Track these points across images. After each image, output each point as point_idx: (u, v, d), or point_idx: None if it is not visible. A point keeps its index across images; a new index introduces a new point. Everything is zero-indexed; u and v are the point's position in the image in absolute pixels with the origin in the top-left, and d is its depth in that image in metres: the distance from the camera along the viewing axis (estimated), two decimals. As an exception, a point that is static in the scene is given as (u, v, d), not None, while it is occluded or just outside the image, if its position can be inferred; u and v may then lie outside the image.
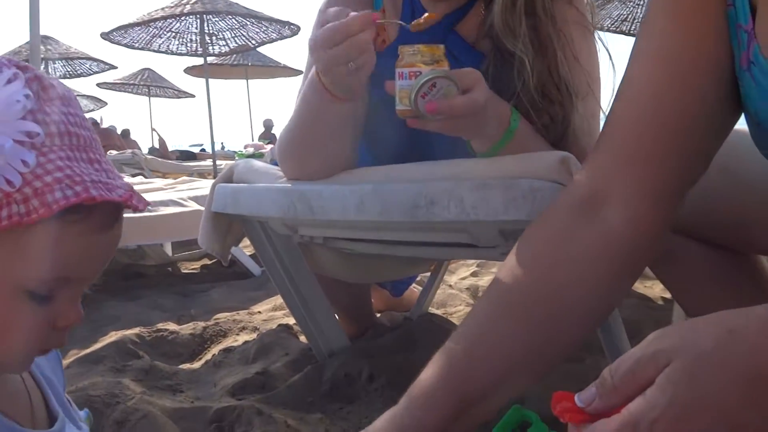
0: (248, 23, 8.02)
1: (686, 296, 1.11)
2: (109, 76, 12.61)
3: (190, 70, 11.49)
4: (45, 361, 0.73)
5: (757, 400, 0.49)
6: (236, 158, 7.78)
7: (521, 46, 1.11)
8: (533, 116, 1.11)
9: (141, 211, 0.60)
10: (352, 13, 0.97)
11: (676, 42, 0.79)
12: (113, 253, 0.62)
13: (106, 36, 7.54)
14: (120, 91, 13.83)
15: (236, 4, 7.24)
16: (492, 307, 0.81)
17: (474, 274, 2.71)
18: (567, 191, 0.85)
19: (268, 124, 13.25)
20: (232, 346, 1.83)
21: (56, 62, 10.83)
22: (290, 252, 1.47)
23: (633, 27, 7.09)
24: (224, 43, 8.45)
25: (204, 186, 3.76)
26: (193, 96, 14.35)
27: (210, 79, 7.24)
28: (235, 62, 11.31)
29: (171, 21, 7.68)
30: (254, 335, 1.92)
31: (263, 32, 8.15)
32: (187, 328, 2.01)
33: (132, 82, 13.07)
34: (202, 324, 2.05)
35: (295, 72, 11.50)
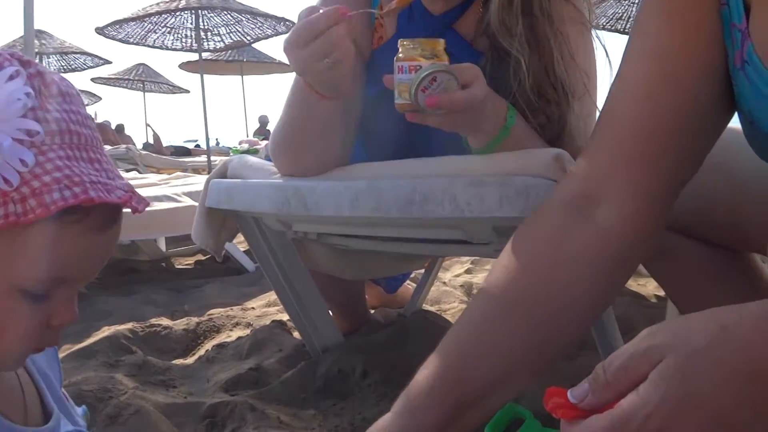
0: (243, 19, 8.00)
1: (679, 294, 1.11)
2: (103, 71, 12.57)
3: (185, 66, 11.47)
4: (41, 355, 0.72)
5: (749, 396, 0.49)
6: (231, 154, 7.77)
7: (518, 45, 1.10)
8: (529, 116, 1.10)
9: (141, 212, 0.59)
10: (322, 10, 0.96)
11: (670, 41, 0.79)
12: (111, 253, 0.62)
13: (100, 31, 7.52)
14: (114, 86, 13.78)
15: (231, -1, 7.23)
16: (490, 307, 0.80)
17: (468, 272, 2.71)
18: (560, 189, 0.85)
19: (263, 120, 13.24)
20: (225, 341, 1.83)
21: (50, 57, 10.78)
22: (284, 248, 1.47)
23: (628, 25, 7.11)
24: (219, 39, 8.44)
25: (198, 182, 3.75)
26: (187, 91, 14.33)
27: (205, 75, 7.24)
28: (230, 58, 11.29)
29: (166, 16, 7.66)
30: (248, 331, 1.92)
31: (258, 28, 8.14)
32: (180, 324, 2.01)
33: (126, 77, 13.02)
34: (195, 319, 2.05)
35: (290, 68, 11.42)
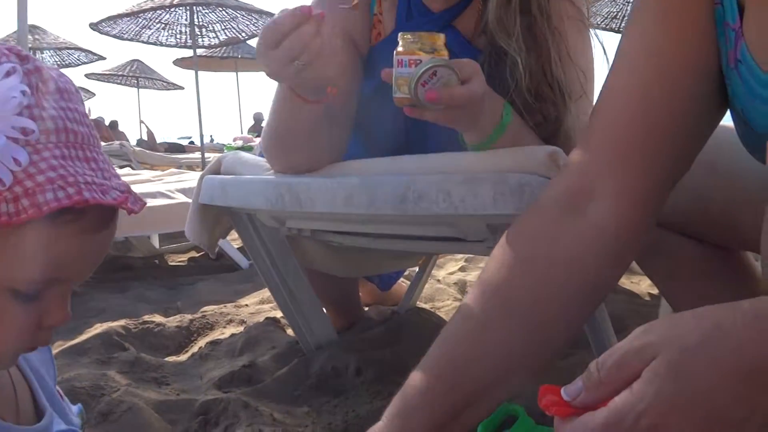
0: (238, 15, 7.98)
1: (673, 291, 1.11)
2: (97, 67, 12.57)
3: (180, 62, 11.43)
4: (34, 353, 0.72)
5: (743, 394, 0.49)
6: (225, 151, 7.75)
7: (515, 45, 1.10)
8: (525, 114, 1.10)
9: (137, 213, 0.58)
10: (289, 9, 0.92)
11: (664, 40, 0.79)
12: (106, 253, 0.61)
13: (94, 26, 7.49)
14: (108, 82, 13.76)
15: (226, -5, 7.21)
16: (487, 306, 0.80)
17: (462, 269, 2.71)
18: (553, 186, 0.85)
19: (257, 117, 13.20)
20: (218, 338, 1.83)
21: (44, 52, 10.74)
22: (278, 245, 1.47)
23: (622, 24, 7.11)
24: (214, 35, 8.41)
25: (192, 178, 3.74)
26: (182, 88, 14.30)
27: (199, 72, 7.21)
28: (224, 54, 11.26)
29: (160, 12, 7.63)
30: (241, 328, 1.91)
31: (253, 25, 8.11)
32: (173, 321, 2.00)
33: (121, 73, 13.00)
34: (188, 316, 2.05)
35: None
